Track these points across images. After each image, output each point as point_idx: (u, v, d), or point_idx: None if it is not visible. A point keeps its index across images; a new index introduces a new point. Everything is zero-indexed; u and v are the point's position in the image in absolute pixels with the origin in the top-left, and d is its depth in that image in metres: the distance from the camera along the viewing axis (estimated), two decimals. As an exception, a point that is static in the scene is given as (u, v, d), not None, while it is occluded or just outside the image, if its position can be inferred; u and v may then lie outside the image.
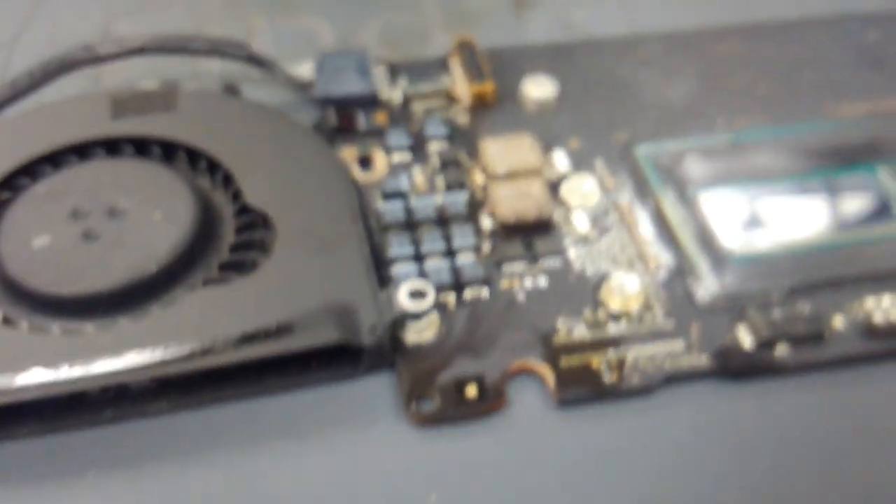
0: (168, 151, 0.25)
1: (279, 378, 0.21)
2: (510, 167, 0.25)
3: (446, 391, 0.21)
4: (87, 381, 0.20)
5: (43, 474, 0.20)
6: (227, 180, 0.25)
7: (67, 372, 0.20)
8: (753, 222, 0.24)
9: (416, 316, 0.22)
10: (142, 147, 0.26)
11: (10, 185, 0.24)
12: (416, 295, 0.22)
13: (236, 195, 0.24)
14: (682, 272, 0.24)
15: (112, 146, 0.25)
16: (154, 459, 0.20)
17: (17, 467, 0.20)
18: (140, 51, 0.27)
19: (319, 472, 0.20)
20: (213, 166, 0.25)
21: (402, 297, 0.22)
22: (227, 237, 0.24)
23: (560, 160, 0.26)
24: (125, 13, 0.33)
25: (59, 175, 0.24)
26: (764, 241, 0.24)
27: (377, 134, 0.27)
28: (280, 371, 0.21)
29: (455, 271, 0.23)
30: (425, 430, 0.21)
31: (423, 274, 0.23)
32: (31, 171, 0.25)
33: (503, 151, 0.26)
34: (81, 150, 0.25)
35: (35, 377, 0.20)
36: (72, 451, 0.20)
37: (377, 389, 0.22)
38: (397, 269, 0.23)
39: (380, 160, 0.26)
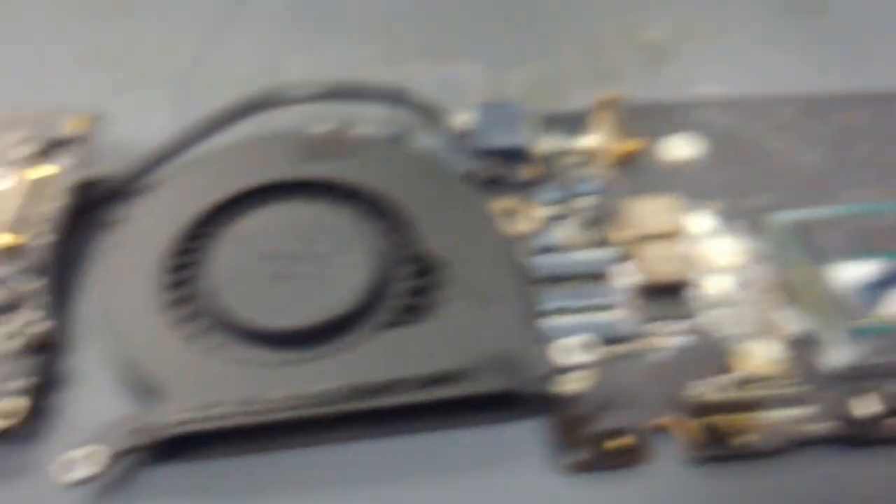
0: (345, 195, 0.28)
1: (438, 418, 0.24)
2: (654, 228, 0.27)
3: (593, 442, 0.23)
4: (282, 412, 0.23)
5: (235, 493, 0.23)
6: (397, 226, 0.27)
7: (261, 402, 0.23)
8: (887, 293, 0.26)
9: (574, 369, 0.24)
10: (320, 190, 0.28)
11: (205, 221, 0.27)
12: (575, 349, 0.24)
13: (407, 242, 0.27)
14: (814, 340, 0.25)
15: (291, 189, 0.28)
16: (325, 485, 0.23)
17: (211, 486, 0.23)
18: (321, 97, 0.30)
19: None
20: (385, 211, 0.28)
21: (562, 350, 0.24)
22: (398, 283, 0.26)
23: (699, 223, 0.28)
24: (284, 52, 0.36)
25: (249, 218, 0.27)
26: (896, 312, 0.26)
27: (526, 187, 0.29)
28: (440, 411, 0.24)
29: (604, 328, 0.25)
30: (571, 479, 0.23)
31: (574, 328, 0.25)
32: (219, 212, 0.28)
33: (648, 211, 0.28)
34: (265, 191, 0.28)
35: (232, 407, 0.23)
36: (260, 473, 0.23)
37: (522, 434, 0.24)
38: (549, 322, 0.26)
39: (528, 214, 0.29)
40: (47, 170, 0.28)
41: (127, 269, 0.26)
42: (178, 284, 0.26)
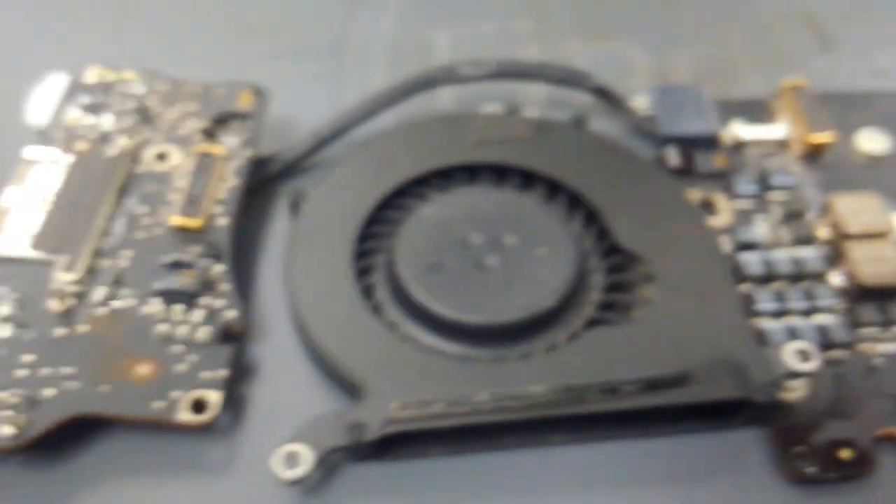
0: (528, 181, 0.27)
1: (655, 424, 0.22)
2: (863, 227, 0.26)
3: (820, 452, 0.22)
4: (495, 414, 0.21)
5: (448, 493, 0.22)
6: (593, 217, 0.26)
7: (475, 403, 0.21)
8: None
9: (795, 376, 0.22)
10: (507, 175, 0.27)
11: (390, 204, 0.26)
12: (800, 354, 0.22)
13: (603, 234, 0.25)
14: None
15: (474, 171, 0.27)
16: (530, 490, 0.22)
17: (426, 485, 0.22)
18: (495, 76, 0.28)
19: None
20: (579, 201, 0.26)
21: (788, 356, 0.22)
22: (597, 277, 0.25)
23: (902, 222, 0.27)
24: (434, 26, 0.34)
25: (440, 200, 0.26)
26: None
27: (716, 177, 0.28)
28: (657, 417, 0.22)
29: (819, 332, 0.24)
30: (798, 488, 0.22)
31: (788, 331, 0.24)
32: (405, 195, 0.26)
33: (854, 209, 0.26)
34: (448, 175, 0.27)
35: (445, 407, 0.21)
36: (466, 474, 0.22)
37: (743, 442, 0.23)
38: (761, 324, 0.24)
39: (723, 206, 0.27)
40: (216, 147, 0.27)
41: (314, 254, 0.24)
42: (368, 271, 0.25)
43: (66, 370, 0.21)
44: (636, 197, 0.26)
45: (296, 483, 0.20)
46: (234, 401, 0.23)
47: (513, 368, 0.22)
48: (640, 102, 0.29)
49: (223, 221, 0.25)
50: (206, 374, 0.22)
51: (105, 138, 0.26)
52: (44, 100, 0.27)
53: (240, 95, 0.28)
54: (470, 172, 0.27)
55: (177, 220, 0.25)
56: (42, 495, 0.21)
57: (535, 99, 0.31)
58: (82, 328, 0.22)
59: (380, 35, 0.34)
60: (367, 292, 0.24)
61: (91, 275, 0.23)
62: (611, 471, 0.22)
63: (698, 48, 0.33)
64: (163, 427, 0.21)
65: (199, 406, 0.21)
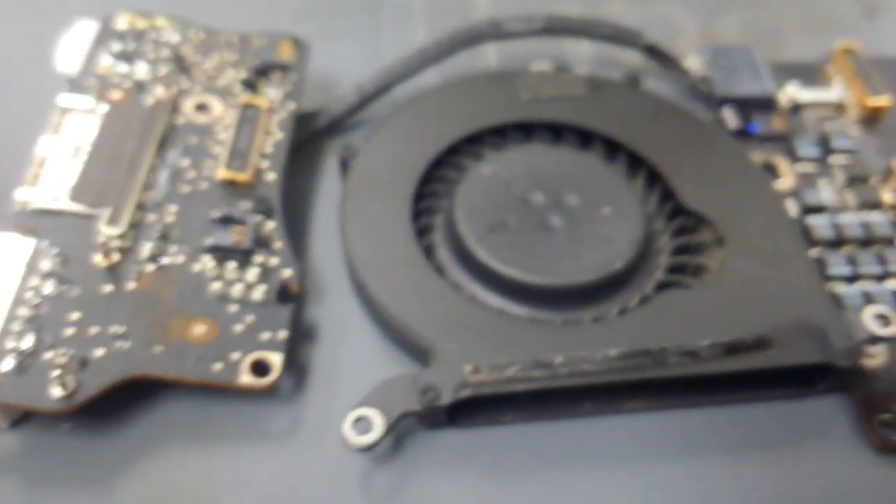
0: (585, 140, 0.25)
1: (735, 389, 0.21)
2: (929, 191, 0.25)
3: (902, 421, 0.21)
4: (573, 378, 0.20)
5: (522, 461, 0.20)
6: (653, 177, 0.25)
7: (552, 367, 0.20)
8: None
9: (875, 341, 0.22)
10: (557, 133, 0.26)
11: (444, 162, 0.25)
12: (880, 318, 0.22)
13: (667, 195, 0.24)
14: None
15: (529, 129, 0.26)
16: (609, 457, 0.20)
17: (500, 454, 0.20)
18: (544, 31, 0.27)
19: (777, 484, 0.20)
20: (643, 162, 0.25)
21: (868, 321, 0.21)
22: (666, 239, 0.24)
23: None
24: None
25: (497, 157, 0.24)
26: None
27: (776, 140, 0.27)
28: (736, 382, 0.21)
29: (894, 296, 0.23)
30: (883, 457, 0.21)
31: (863, 296, 0.23)
32: (461, 152, 0.25)
33: (919, 174, 0.25)
34: (501, 132, 0.25)
35: (522, 370, 0.20)
36: (546, 441, 0.21)
37: (824, 410, 0.22)
38: (836, 288, 0.23)
39: (785, 169, 0.26)
40: (259, 98, 0.25)
41: (369, 213, 0.23)
42: (427, 231, 0.23)
43: (116, 329, 0.20)
44: (698, 158, 0.25)
45: (367, 449, 0.19)
46: (296, 365, 0.21)
47: (585, 332, 0.21)
48: (693, 63, 0.28)
49: (271, 176, 0.23)
50: (265, 335, 0.20)
51: (140, 87, 0.25)
52: (74, 47, 0.25)
53: (279, 46, 0.26)
54: (525, 131, 0.26)
55: (224, 173, 0.23)
56: (94, 462, 0.19)
57: (583, 58, 0.30)
58: (130, 285, 0.21)
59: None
60: (428, 252, 0.23)
61: (135, 230, 0.22)
62: (689, 439, 0.21)
63: (745, 11, 0.32)
64: (223, 390, 0.20)
65: (260, 368, 0.20)
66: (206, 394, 0.20)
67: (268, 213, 0.23)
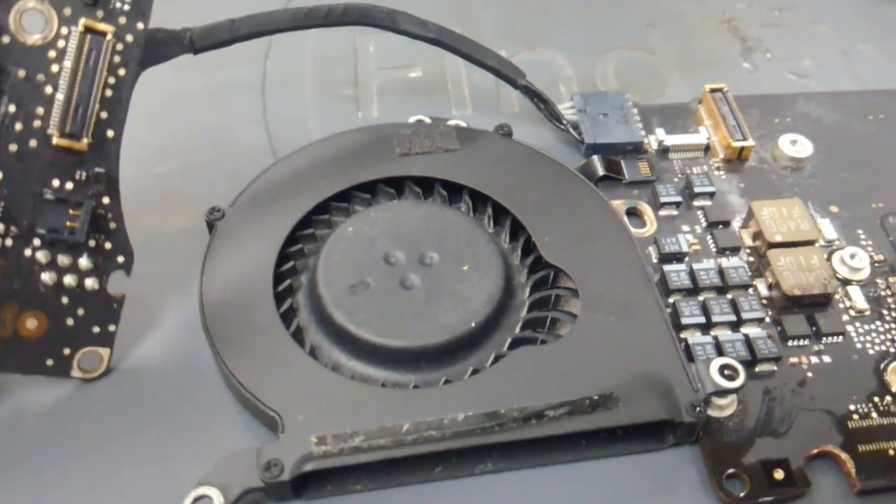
0: (453, 194, 0.25)
1: (586, 446, 0.21)
2: (787, 235, 0.24)
3: (753, 472, 0.20)
4: (423, 445, 0.19)
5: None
6: (517, 230, 0.24)
7: (402, 434, 0.19)
8: None
9: (723, 393, 0.21)
10: (426, 187, 0.25)
11: (313, 221, 0.24)
12: (726, 371, 0.21)
13: (530, 247, 0.23)
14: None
15: (399, 185, 0.25)
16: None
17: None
18: (435, 41, 0.25)
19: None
20: (501, 213, 0.24)
21: (714, 374, 0.21)
22: (523, 293, 0.23)
23: (827, 229, 0.25)
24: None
25: (362, 216, 0.23)
26: None
27: (643, 185, 0.26)
28: (588, 438, 0.21)
29: (746, 345, 0.22)
30: (732, 509, 0.20)
31: (715, 345, 0.22)
32: (328, 208, 0.24)
33: (776, 217, 0.25)
34: (370, 188, 0.24)
35: (368, 440, 0.19)
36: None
37: (673, 462, 0.21)
38: (688, 338, 0.22)
39: (649, 216, 0.25)
40: (102, 24, 0.20)
41: (230, 276, 0.22)
42: (292, 292, 0.22)
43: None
44: (561, 209, 0.24)
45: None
46: (144, 429, 0.20)
47: (437, 395, 0.20)
48: (566, 109, 0.27)
49: (110, 134, 0.20)
50: (95, 329, 0.20)
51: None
52: None
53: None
54: (396, 186, 0.25)
55: (59, 140, 0.19)
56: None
57: (460, 111, 0.29)
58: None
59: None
60: (290, 315, 0.22)
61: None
62: (543, 498, 0.20)
63: (627, 53, 0.32)
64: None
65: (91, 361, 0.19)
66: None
67: (106, 188, 0.20)
